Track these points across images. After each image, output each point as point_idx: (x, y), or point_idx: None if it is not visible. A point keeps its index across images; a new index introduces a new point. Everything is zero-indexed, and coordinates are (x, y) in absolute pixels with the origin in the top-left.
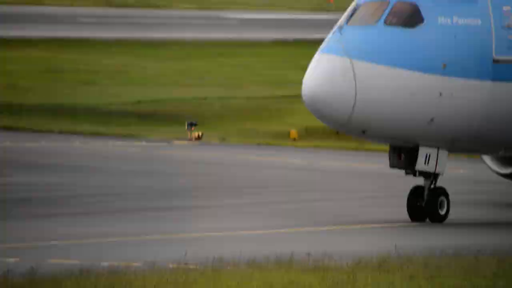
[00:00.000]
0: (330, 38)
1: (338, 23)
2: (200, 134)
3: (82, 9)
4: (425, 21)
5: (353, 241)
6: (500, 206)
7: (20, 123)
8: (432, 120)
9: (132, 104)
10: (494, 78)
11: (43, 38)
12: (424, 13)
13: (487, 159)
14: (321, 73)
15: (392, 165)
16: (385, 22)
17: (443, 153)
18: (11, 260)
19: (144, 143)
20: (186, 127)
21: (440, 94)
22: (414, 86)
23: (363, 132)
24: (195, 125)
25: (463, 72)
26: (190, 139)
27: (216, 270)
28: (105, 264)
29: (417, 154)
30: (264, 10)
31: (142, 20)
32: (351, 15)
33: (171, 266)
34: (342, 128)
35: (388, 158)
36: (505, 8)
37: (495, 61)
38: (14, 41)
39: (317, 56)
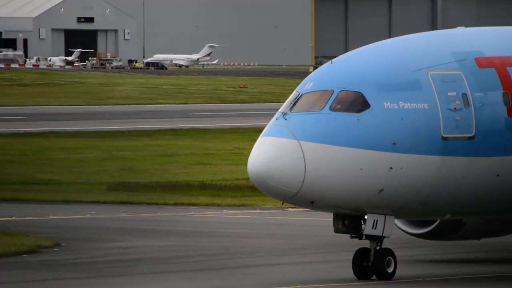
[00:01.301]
0: (273, 123)
1: (280, 110)
2: None
3: (195, 106)
4: (371, 107)
5: None
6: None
7: (135, 198)
8: (381, 191)
9: (246, 180)
10: (443, 153)
11: (159, 129)
12: (369, 100)
13: (397, 221)
14: (268, 153)
15: (337, 231)
16: (330, 108)
17: (390, 218)
18: None
19: (258, 210)
20: None
21: (390, 168)
22: (363, 161)
23: (312, 203)
24: None
25: (413, 149)
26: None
27: None
28: None
29: (360, 220)
30: None
31: (254, 112)
32: (294, 103)
33: None
34: (290, 201)
35: (332, 224)
36: (450, 93)
37: (444, 138)
38: (131, 132)
39: (261, 139)
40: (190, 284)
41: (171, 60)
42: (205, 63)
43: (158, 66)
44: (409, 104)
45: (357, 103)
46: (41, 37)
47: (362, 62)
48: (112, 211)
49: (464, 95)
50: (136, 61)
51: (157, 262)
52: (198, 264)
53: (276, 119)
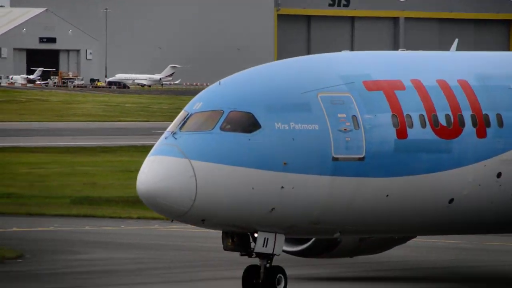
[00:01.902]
0: (162, 142)
1: (169, 129)
2: None
3: (158, 124)
4: (262, 127)
5: None
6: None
7: (99, 212)
8: (273, 209)
9: None
10: (333, 174)
11: (121, 146)
12: (260, 120)
13: None
14: (159, 172)
15: (226, 248)
16: (220, 128)
17: (280, 237)
18: None
19: None
20: None
21: (282, 187)
22: (254, 181)
23: (203, 221)
24: None
25: (304, 169)
26: None
27: None
28: None
29: (249, 238)
30: None
31: None
32: (184, 123)
33: None
34: (181, 219)
35: (221, 241)
36: (340, 115)
37: (334, 159)
38: (94, 149)
39: (151, 158)
40: None
41: (133, 80)
42: (167, 83)
43: (121, 85)
44: (300, 125)
45: (247, 123)
46: (2, 56)
47: (252, 83)
48: (76, 224)
49: (354, 117)
50: (98, 80)
51: (121, 274)
52: (162, 277)
53: (166, 138)
